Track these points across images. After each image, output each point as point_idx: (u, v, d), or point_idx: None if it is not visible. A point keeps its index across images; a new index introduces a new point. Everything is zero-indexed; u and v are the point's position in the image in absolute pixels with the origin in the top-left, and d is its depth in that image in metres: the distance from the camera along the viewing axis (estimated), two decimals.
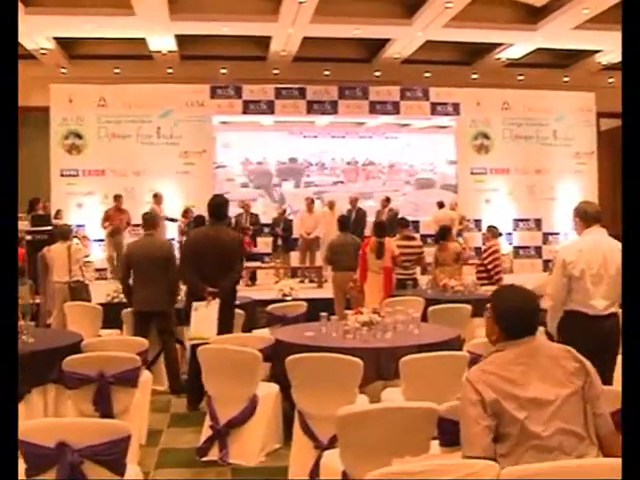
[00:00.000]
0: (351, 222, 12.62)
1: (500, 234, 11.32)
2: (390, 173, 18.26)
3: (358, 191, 17.41)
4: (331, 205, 15.63)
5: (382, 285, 9.53)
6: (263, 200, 17.76)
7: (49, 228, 12.39)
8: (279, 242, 15.21)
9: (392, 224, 10.31)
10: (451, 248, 10.58)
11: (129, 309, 8.28)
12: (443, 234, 10.87)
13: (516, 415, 3.03)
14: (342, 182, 18.06)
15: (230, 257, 7.04)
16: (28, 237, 12.46)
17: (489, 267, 10.77)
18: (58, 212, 15.30)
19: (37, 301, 10.54)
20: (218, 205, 7.31)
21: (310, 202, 15.61)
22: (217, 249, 6.94)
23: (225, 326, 6.92)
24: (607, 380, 3.86)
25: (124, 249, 10.23)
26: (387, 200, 15.78)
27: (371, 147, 18.27)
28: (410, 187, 18.28)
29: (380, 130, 18.28)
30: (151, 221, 8.27)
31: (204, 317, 6.80)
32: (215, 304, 6.85)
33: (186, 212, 14.79)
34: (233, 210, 16.01)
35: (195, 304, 6.83)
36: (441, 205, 16.13)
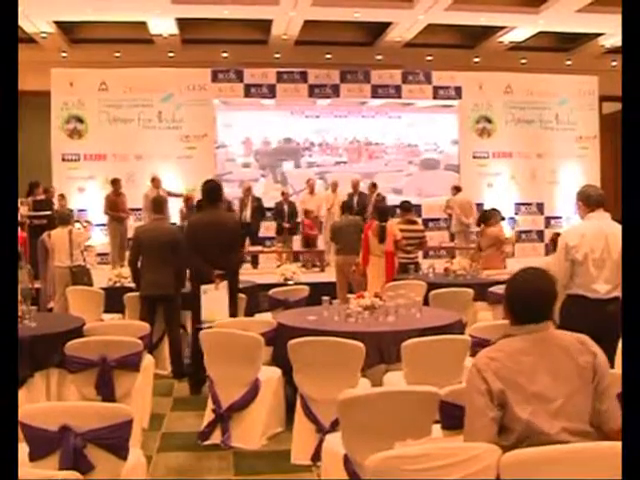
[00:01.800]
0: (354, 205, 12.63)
1: (503, 218, 11.14)
2: (393, 153, 18.19)
3: (361, 171, 17.42)
4: (334, 187, 15.57)
5: (384, 269, 9.55)
6: (265, 180, 17.73)
7: (49, 213, 12.38)
8: (285, 225, 15.13)
9: (381, 210, 10.23)
10: (489, 232, 10.24)
11: (131, 293, 8.33)
12: (483, 218, 10.54)
13: (520, 412, 2.98)
14: (345, 162, 18.00)
15: (231, 239, 7.16)
16: (30, 221, 12.48)
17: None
18: (62, 196, 15.27)
19: (37, 285, 10.54)
20: (212, 189, 7.37)
21: (312, 183, 15.58)
22: (217, 232, 7.01)
23: (234, 307, 7.06)
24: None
25: (129, 234, 10.22)
26: (374, 186, 15.59)
27: (374, 126, 18.16)
28: (414, 167, 18.23)
29: (383, 109, 18.18)
30: (160, 206, 8.30)
31: (215, 300, 6.86)
32: (224, 286, 6.94)
33: (187, 199, 14.75)
34: (233, 191, 16.06)
35: (204, 287, 6.88)
36: (458, 189, 15.89)
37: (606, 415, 3.09)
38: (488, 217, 10.45)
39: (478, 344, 5.03)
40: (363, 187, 15.57)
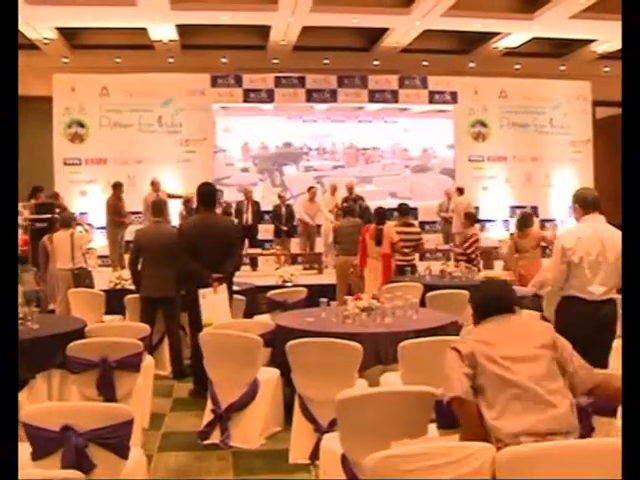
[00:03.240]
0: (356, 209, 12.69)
1: (478, 220, 11.20)
2: (389, 157, 18.35)
3: (358, 175, 17.59)
4: (333, 190, 15.68)
5: (381, 271, 9.61)
6: (264, 184, 17.85)
7: (49, 216, 12.44)
8: (283, 228, 15.17)
9: (378, 213, 10.28)
10: (533, 234, 10.17)
11: (132, 295, 8.38)
12: (525, 220, 10.44)
13: (490, 367, 3.32)
14: (342, 166, 18.15)
15: (228, 242, 7.13)
16: (33, 225, 12.56)
17: (471, 255, 10.73)
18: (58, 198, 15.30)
19: (40, 288, 10.61)
20: (209, 192, 7.36)
21: (313, 191, 15.56)
22: (214, 235, 7.01)
23: (232, 310, 7.09)
24: (602, 364, 3.94)
25: (131, 236, 10.27)
26: (351, 188, 15.51)
27: (370, 131, 18.33)
28: (409, 171, 18.38)
29: (379, 114, 18.35)
30: (159, 208, 8.34)
31: (215, 303, 6.85)
32: (223, 289, 6.93)
33: (187, 202, 14.82)
34: (233, 195, 16.14)
35: (202, 291, 6.88)
36: (461, 191, 16.11)
37: (577, 377, 3.42)
38: (528, 219, 10.46)
39: None
40: (366, 189, 15.64)
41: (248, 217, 14.82)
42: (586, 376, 3.44)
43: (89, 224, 14.87)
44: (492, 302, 3.66)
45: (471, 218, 11.08)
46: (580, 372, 3.43)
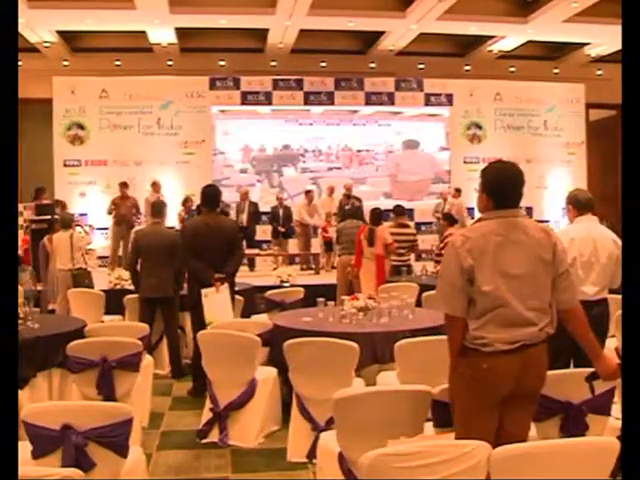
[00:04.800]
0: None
1: (456, 221, 11.15)
2: (383, 159, 18.50)
3: (353, 176, 17.77)
4: (330, 192, 15.79)
5: (375, 272, 9.64)
6: (262, 186, 17.97)
7: (49, 217, 12.49)
8: (280, 229, 15.21)
9: (372, 214, 10.31)
10: None
11: (131, 295, 8.43)
12: None
13: (485, 285, 3.40)
14: (337, 168, 18.30)
15: (230, 243, 7.18)
16: (34, 226, 12.60)
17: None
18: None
19: (39, 288, 10.65)
20: (212, 194, 7.39)
21: (311, 195, 15.58)
22: (217, 236, 7.05)
23: (233, 310, 7.15)
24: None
25: (131, 236, 10.32)
26: (349, 189, 15.68)
27: (365, 134, 18.48)
28: (403, 174, 18.49)
29: (373, 118, 18.50)
30: (159, 209, 8.39)
31: (217, 303, 6.90)
32: (225, 289, 6.97)
33: (186, 201, 14.90)
34: (232, 196, 16.22)
35: (204, 291, 6.92)
36: (459, 192, 16.35)
37: (558, 297, 3.54)
38: None
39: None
40: (360, 190, 15.72)
41: (244, 218, 14.87)
42: (565, 301, 3.55)
43: (89, 225, 14.94)
44: (512, 190, 3.58)
45: (449, 219, 11.00)
46: (562, 296, 3.54)
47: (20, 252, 11.80)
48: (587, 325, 3.57)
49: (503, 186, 3.57)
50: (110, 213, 14.82)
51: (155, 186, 15.40)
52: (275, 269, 12.17)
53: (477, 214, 12.37)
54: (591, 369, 3.63)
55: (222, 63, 17.60)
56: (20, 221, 12.99)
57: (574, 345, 3.73)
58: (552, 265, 3.51)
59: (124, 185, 15.00)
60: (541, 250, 3.50)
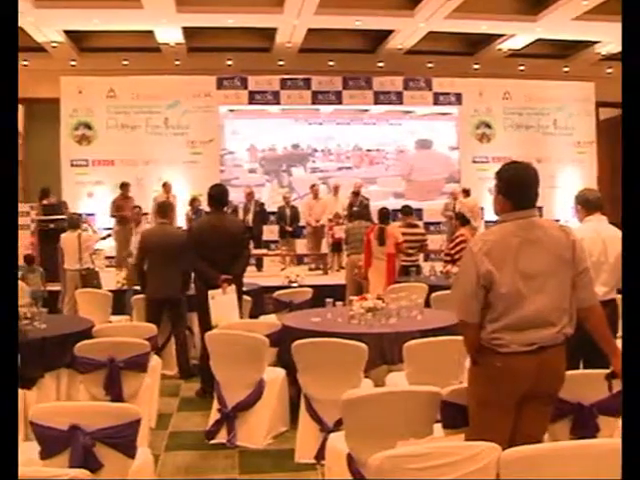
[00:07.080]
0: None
1: (468, 222, 11.05)
2: (394, 159, 18.45)
3: (363, 176, 17.70)
4: (335, 191, 15.78)
5: (385, 271, 9.61)
6: (271, 186, 17.98)
7: (58, 217, 12.50)
8: (287, 229, 15.21)
9: (381, 213, 10.26)
10: None
11: (139, 296, 8.42)
12: None
13: (503, 287, 3.38)
14: (347, 167, 18.27)
15: (237, 243, 7.14)
16: (40, 226, 12.62)
17: (455, 256, 10.54)
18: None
19: (48, 288, 10.65)
20: (219, 194, 7.29)
21: (316, 189, 15.60)
22: (224, 237, 6.98)
23: (241, 310, 7.10)
24: (605, 364, 3.95)
25: (136, 237, 10.31)
26: (359, 188, 15.66)
27: (375, 133, 18.45)
28: (417, 173, 18.46)
29: (384, 117, 18.46)
30: (165, 210, 8.36)
31: (224, 304, 6.84)
32: (232, 290, 6.92)
33: (193, 201, 14.90)
34: (241, 196, 16.19)
35: (211, 292, 6.87)
36: (467, 193, 16.15)
37: (586, 291, 3.54)
38: None
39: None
40: (370, 190, 15.71)
41: (249, 218, 14.83)
42: (585, 298, 3.54)
43: (94, 230, 14.95)
44: (529, 191, 3.56)
45: (461, 219, 10.89)
46: (582, 294, 3.53)
47: (31, 252, 11.81)
48: (605, 323, 3.57)
49: (520, 187, 3.54)
50: (113, 216, 14.79)
51: (166, 187, 15.39)
52: (283, 269, 12.14)
53: (487, 214, 12.28)
54: (602, 370, 3.60)
55: (230, 62, 17.58)
56: (27, 221, 13.04)
57: (585, 346, 3.70)
58: (572, 264, 3.49)
59: (126, 185, 14.97)
60: (561, 249, 3.49)
